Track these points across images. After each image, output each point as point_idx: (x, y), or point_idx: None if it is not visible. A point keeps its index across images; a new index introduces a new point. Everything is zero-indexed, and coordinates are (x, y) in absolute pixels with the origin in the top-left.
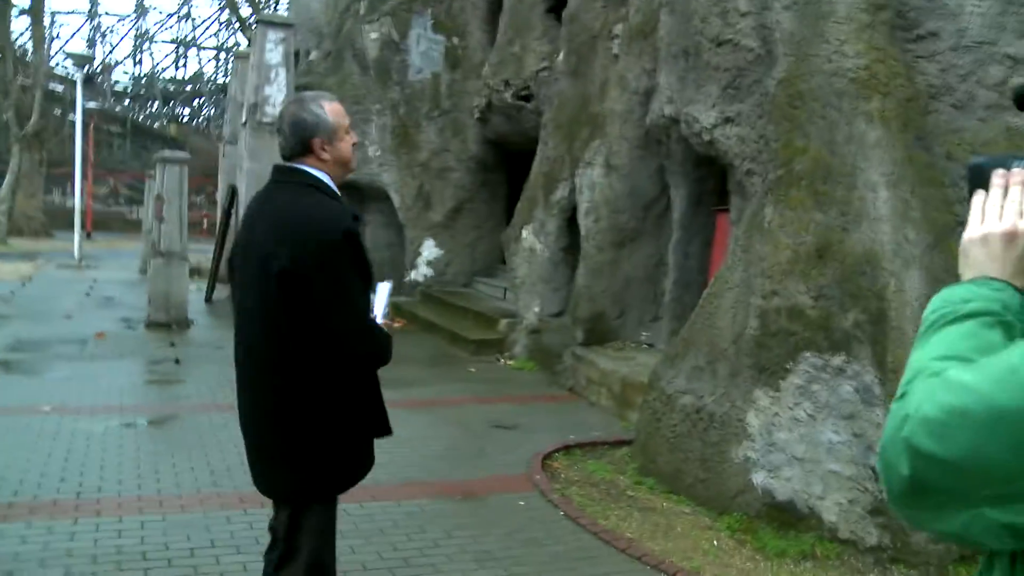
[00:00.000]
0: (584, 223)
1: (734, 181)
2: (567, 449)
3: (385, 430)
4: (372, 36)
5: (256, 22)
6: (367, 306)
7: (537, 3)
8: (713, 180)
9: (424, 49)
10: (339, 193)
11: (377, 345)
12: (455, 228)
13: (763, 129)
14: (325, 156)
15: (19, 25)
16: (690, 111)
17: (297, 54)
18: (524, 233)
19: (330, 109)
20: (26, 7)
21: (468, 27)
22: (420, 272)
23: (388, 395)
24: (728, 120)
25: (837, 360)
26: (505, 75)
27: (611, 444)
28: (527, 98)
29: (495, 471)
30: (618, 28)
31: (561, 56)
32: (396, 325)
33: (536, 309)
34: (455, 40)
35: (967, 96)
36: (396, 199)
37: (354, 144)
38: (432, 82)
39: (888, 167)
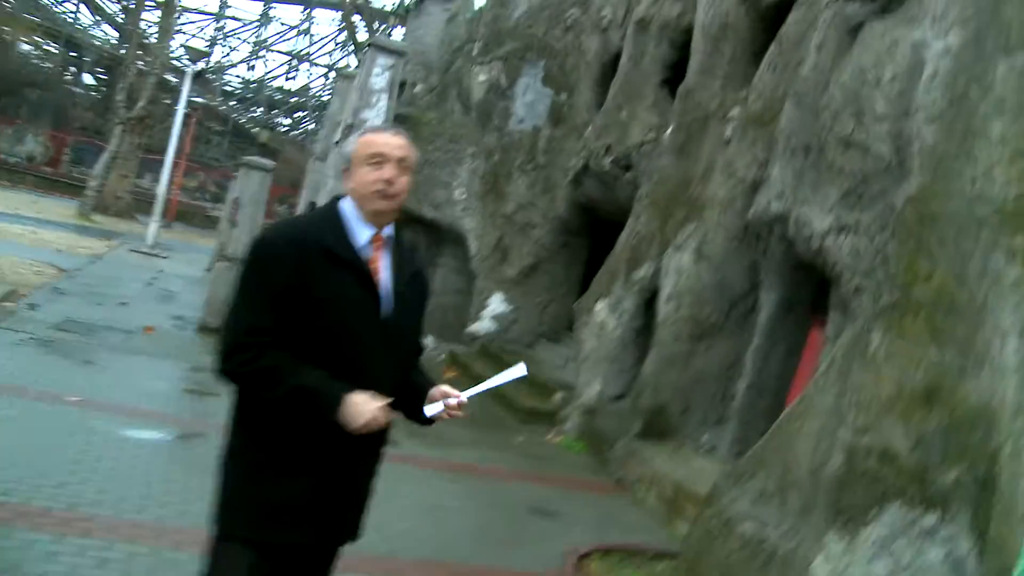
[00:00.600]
0: (664, 308)
1: (838, 295)
2: (606, 551)
3: (337, 480)
4: (480, 78)
5: (369, 45)
6: (253, 322)
7: (653, 72)
8: (810, 287)
9: (530, 100)
10: (343, 218)
11: (242, 369)
12: (527, 286)
13: (883, 245)
14: (348, 184)
15: (149, 15)
16: (803, 212)
17: (403, 84)
18: (598, 306)
19: (360, 140)
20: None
21: (578, 85)
22: (484, 325)
23: (422, 452)
24: (844, 228)
25: (930, 519)
26: (608, 140)
27: (655, 555)
28: (627, 167)
29: (525, 564)
30: (735, 111)
31: (669, 131)
32: (448, 375)
33: (597, 388)
34: (563, 96)
35: None
36: (473, 246)
37: (386, 179)
38: (531, 134)
39: (1022, 317)
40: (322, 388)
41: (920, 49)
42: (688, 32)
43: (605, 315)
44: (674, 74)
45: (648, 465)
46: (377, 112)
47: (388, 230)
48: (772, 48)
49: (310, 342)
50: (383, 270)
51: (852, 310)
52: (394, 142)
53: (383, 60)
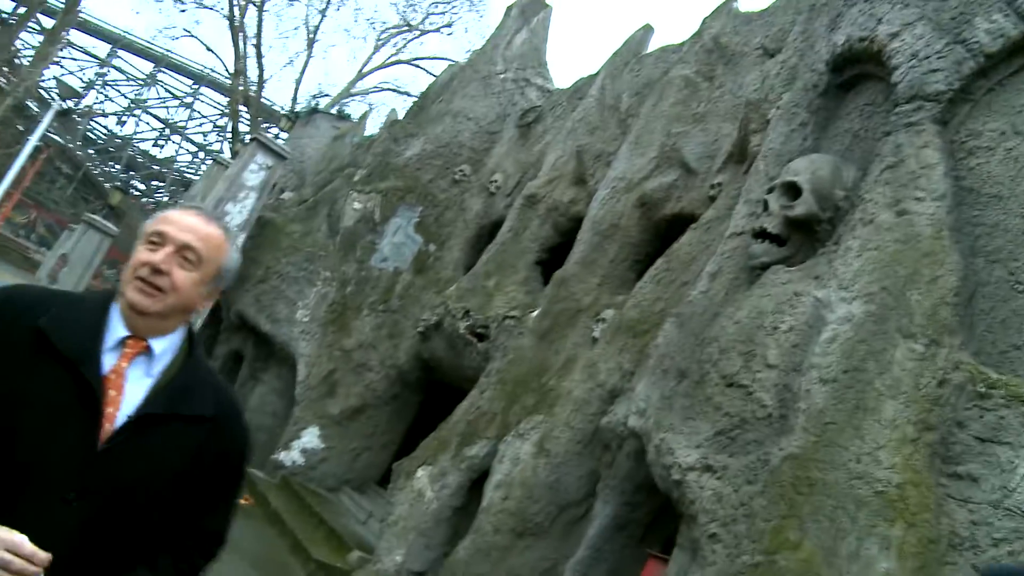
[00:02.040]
0: (491, 494)
1: (689, 535)
2: None
3: None
4: (355, 205)
5: (252, 139)
6: None
7: (530, 250)
8: (647, 511)
9: (399, 241)
10: (107, 309)
11: None
12: (347, 427)
13: (749, 499)
14: None
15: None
16: (667, 439)
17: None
18: (420, 472)
19: (155, 216)
20: (47, 27)
21: (450, 240)
22: (291, 456)
23: None
24: (710, 469)
25: None
26: (468, 304)
27: None
28: (481, 337)
29: None
30: (607, 313)
31: (536, 313)
32: (242, 502)
33: (398, 558)
34: (432, 247)
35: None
36: (302, 372)
37: (151, 263)
38: (391, 276)
39: None
40: None
41: (821, 308)
42: (575, 220)
43: (425, 484)
44: (551, 257)
45: None
46: (241, 208)
47: (161, 343)
48: (660, 262)
49: None
50: (127, 391)
51: (703, 557)
52: (185, 223)
53: (263, 158)
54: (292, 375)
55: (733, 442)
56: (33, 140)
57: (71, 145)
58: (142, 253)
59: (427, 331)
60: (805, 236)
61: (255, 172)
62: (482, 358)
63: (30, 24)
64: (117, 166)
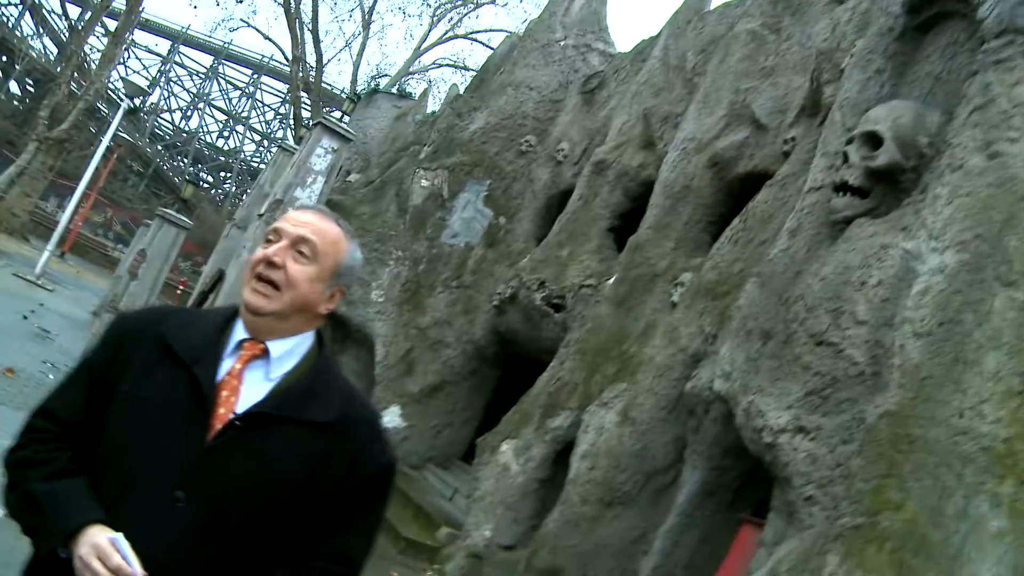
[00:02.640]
0: (577, 465)
1: (783, 498)
2: None
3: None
4: (422, 183)
5: (316, 123)
6: (49, 405)
7: (602, 217)
8: (735, 475)
9: (468, 216)
10: (231, 319)
11: (8, 457)
12: (427, 405)
13: (846, 459)
14: None
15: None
16: (756, 402)
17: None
18: (504, 446)
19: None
20: (111, 29)
21: (520, 212)
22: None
23: None
24: (803, 430)
25: None
26: (543, 275)
27: None
28: (558, 307)
29: None
30: (685, 277)
31: (612, 280)
32: None
33: (487, 533)
34: (501, 220)
35: None
36: (380, 353)
37: (266, 258)
38: (463, 251)
39: (1006, 571)
40: (49, 505)
41: (911, 260)
42: (645, 184)
43: (510, 457)
44: (623, 223)
45: None
46: (310, 193)
47: (280, 345)
48: (736, 222)
49: (100, 447)
50: (242, 393)
51: (800, 520)
52: (301, 219)
53: (328, 142)
54: (370, 356)
55: (825, 402)
56: (105, 141)
57: (140, 142)
58: (258, 251)
59: (502, 304)
60: (889, 187)
61: (321, 156)
62: (560, 329)
63: (97, 29)
64: (185, 160)
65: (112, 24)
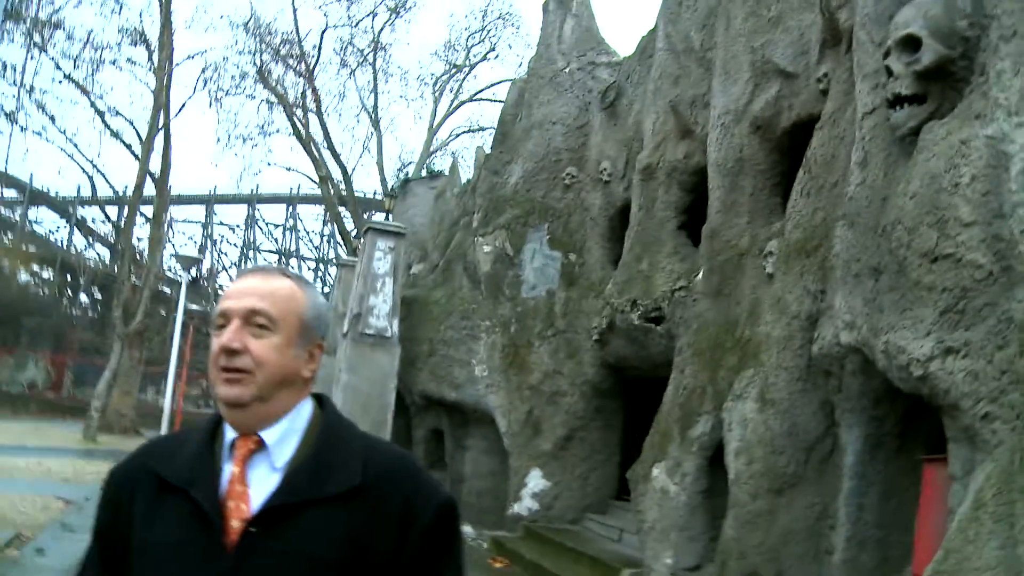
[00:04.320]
0: (734, 465)
1: (957, 425)
2: None
3: None
4: (485, 249)
5: (367, 229)
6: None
7: (667, 219)
8: (894, 421)
9: (539, 265)
10: (221, 425)
11: None
12: (565, 458)
13: (1009, 363)
14: None
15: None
16: (892, 339)
17: None
18: (655, 471)
19: (222, 296)
20: (150, 215)
21: (586, 244)
22: (524, 505)
23: None
24: (951, 351)
25: None
26: (632, 294)
27: None
28: (658, 320)
29: None
30: (772, 245)
31: (700, 275)
32: (497, 565)
33: (668, 560)
34: (571, 257)
35: None
36: (502, 423)
37: (222, 349)
38: (546, 300)
39: None
40: None
41: (998, 144)
42: (698, 173)
43: (664, 480)
44: (690, 217)
45: None
46: (384, 297)
47: (273, 431)
48: (800, 174)
49: None
50: (252, 497)
51: (984, 440)
52: (243, 288)
53: (383, 243)
54: (494, 430)
55: (963, 315)
56: (179, 317)
57: (208, 308)
58: (214, 342)
59: (602, 336)
60: (944, 83)
61: (382, 259)
62: (666, 340)
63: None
64: None
65: (149, 210)
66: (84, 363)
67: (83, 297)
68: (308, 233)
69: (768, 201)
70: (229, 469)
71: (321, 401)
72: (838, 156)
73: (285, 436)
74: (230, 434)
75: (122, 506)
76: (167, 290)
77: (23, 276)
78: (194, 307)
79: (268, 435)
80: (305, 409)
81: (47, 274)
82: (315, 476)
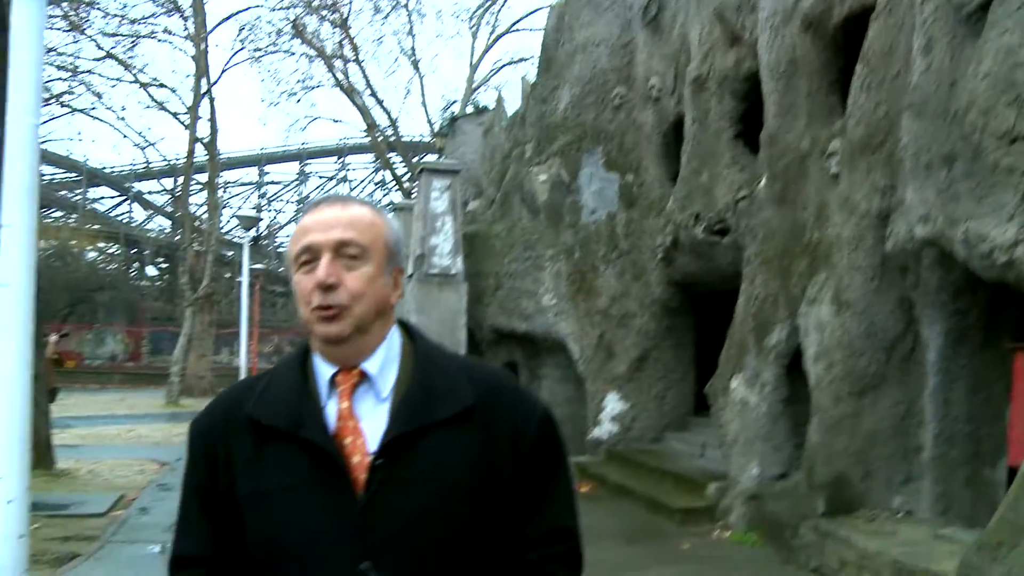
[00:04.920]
0: (813, 370)
1: None
2: None
3: None
4: (541, 178)
5: (421, 171)
6: (178, 550)
7: (723, 129)
8: (977, 312)
9: (597, 188)
10: (310, 361)
11: None
12: (640, 379)
13: None
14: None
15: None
16: (972, 228)
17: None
18: (734, 383)
19: (296, 230)
20: (203, 182)
21: (642, 163)
22: (604, 428)
23: None
24: None
25: None
26: (694, 209)
27: None
28: (723, 231)
29: None
30: (834, 145)
31: (763, 182)
32: (583, 490)
33: (754, 471)
34: (629, 177)
35: None
36: (575, 350)
37: (319, 285)
38: (608, 223)
39: None
40: None
41: None
42: (750, 79)
43: (744, 391)
44: (746, 125)
45: (850, 547)
46: (445, 235)
47: (374, 361)
48: (859, 69)
49: (254, 566)
50: (365, 430)
51: None
52: (327, 220)
53: (439, 182)
54: (567, 358)
55: None
56: (245, 278)
57: (271, 266)
58: (302, 280)
59: (667, 254)
60: None
61: (438, 198)
62: (733, 251)
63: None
64: None
65: (203, 177)
66: (158, 332)
67: (149, 268)
68: (361, 183)
69: (826, 100)
70: (334, 405)
71: (405, 326)
72: (897, 46)
73: (385, 365)
74: (326, 370)
75: (218, 458)
76: (229, 253)
77: (91, 254)
78: (257, 266)
79: (370, 366)
80: (395, 336)
81: (113, 250)
82: (426, 401)
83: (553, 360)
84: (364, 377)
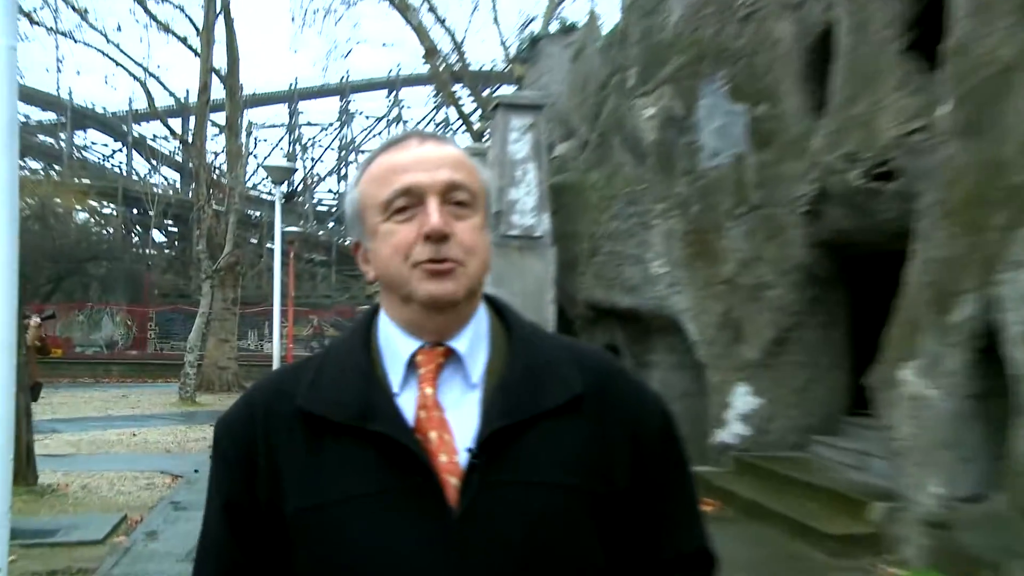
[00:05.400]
0: (1018, 356)
1: None
2: None
3: None
4: (647, 113)
5: (496, 107)
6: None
7: (889, 40)
8: None
9: (720, 124)
10: (374, 337)
11: None
12: (777, 367)
13: None
14: (371, 275)
15: (213, 144)
16: None
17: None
18: (904, 374)
19: (367, 174)
20: (222, 124)
21: (779, 89)
22: (731, 431)
23: None
24: None
25: None
26: (848, 147)
27: None
28: (886, 176)
29: None
30: None
31: (946, 108)
32: (706, 508)
33: (937, 490)
34: (761, 109)
35: None
36: (692, 330)
37: (431, 233)
38: (734, 168)
39: None
40: None
41: None
42: None
43: (919, 384)
44: (920, 33)
45: None
46: (527, 188)
47: (463, 338)
48: None
49: None
50: (452, 423)
51: None
52: (429, 157)
53: (518, 121)
54: (682, 339)
55: None
56: (277, 244)
57: (309, 229)
58: (398, 230)
59: (813, 207)
60: None
61: (519, 141)
62: (900, 201)
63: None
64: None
65: (221, 118)
66: (168, 312)
67: (156, 233)
68: (418, 123)
69: None
70: (411, 393)
71: (489, 299)
72: None
73: (475, 343)
74: (404, 346)
75: (256, 465)
76: (256, 213)
77: (81, 215)
78: (292, 228)
79: (460, 342)
80: (483, 308)
81: (109, 209)
82: (529, 388)
83: (664, 343)
84: (450, 357)
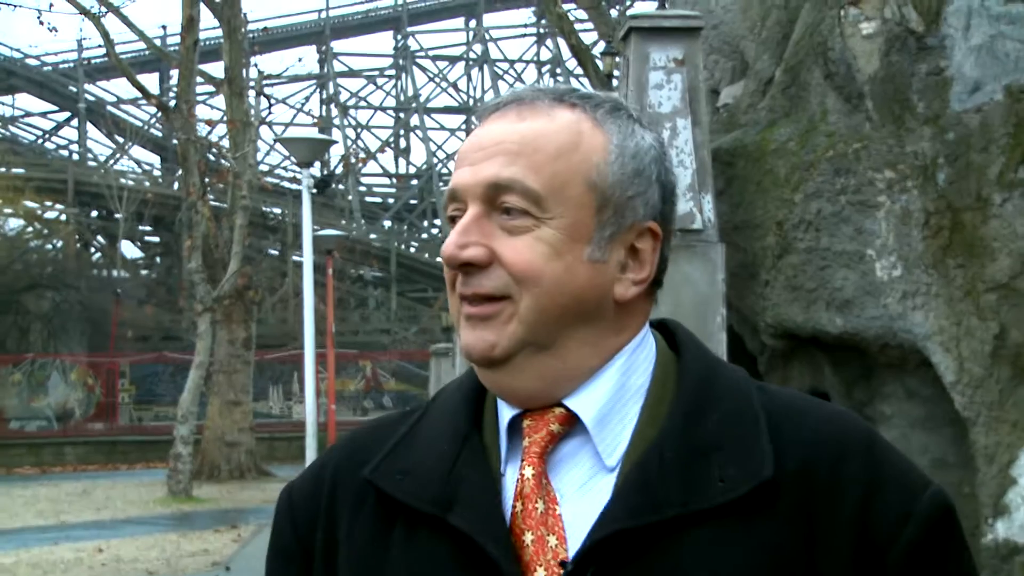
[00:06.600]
0: None
1: None
2: None
3: None
4: (864, 30)
5: (627, 33)
6: None
7: None
8: None
9: (983, 40)
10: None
11: None
12: None
13: None
14: None
15: (204, 108)
16: None
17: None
18: None
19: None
20: (219, 78)
21: None
22: (1017, 521)
23: None
24: None
25: None
26: None
27: None
28: None
29: None
30: None
31: None
32: None
33: None
34: None
35: None
36: (944, 364)
37: (455, 253)
38: (1003, 110)
39: None
40: None
41: None
42: None
43: None
44: None
45: None
46: (678, 155)
47: (584, 398)
48: None
49: None
50: (567, 517)
51: None
52: (490, 137)
53: (661, 54)
54: (930, 380)
55: None
56: (307, 255)
57: (354, 232)
58: (445, 248)
59: None
60: None
61: (662, 86)
62: None
63: (199, 86)
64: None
65: (217, 68)
66: (149, 363)
67: (127, 246)
68: (512, 64)
69: None
70: (514, 472)
71: (669, 332)
72: None
73: (614, 406)
74: (507, 410)
75: (312, 548)
76: (275, 210)
77: (12, 222)
78: (329, 232)
79: (582, 407)
80: (643, 354)
81: (55, 213)
82: (690, 471)
83: (900, 386)
84: (572, 425)
